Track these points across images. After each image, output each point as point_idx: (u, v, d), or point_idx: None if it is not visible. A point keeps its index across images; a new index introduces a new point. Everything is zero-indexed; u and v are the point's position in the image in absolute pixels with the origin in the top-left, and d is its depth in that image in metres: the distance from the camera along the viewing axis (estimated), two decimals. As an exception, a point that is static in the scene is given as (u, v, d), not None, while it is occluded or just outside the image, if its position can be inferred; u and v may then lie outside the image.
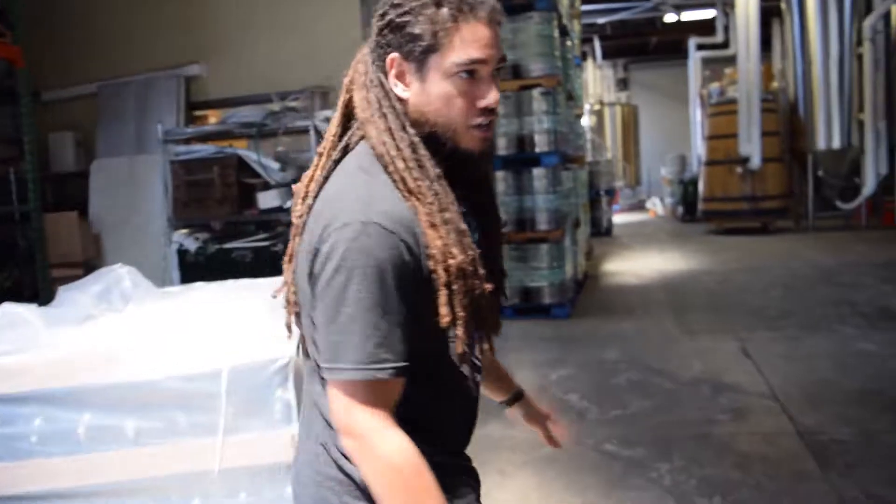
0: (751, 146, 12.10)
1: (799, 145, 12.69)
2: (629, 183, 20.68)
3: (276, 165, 5.29)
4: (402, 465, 1.11)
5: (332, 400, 1.14)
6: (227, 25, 5.92)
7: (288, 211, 5.47)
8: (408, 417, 1.16)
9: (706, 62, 15.84)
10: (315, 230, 1.15)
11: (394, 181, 1.15)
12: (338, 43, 5.77)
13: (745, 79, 12.29)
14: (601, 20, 15.43)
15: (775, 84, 14.16)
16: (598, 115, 20.89)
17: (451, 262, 1.14)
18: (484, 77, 1.18)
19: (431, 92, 1.17)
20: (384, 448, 1.11)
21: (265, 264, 5.36)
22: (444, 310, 1.14)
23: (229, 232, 5.69)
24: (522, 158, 7.03)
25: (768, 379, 4.81)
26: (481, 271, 1.20)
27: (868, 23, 11.59)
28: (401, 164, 1.15)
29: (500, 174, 7.04)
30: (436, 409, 1.24)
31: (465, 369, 1.26)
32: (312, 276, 1.15)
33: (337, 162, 1.22)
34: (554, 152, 6.96)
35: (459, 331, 1.17)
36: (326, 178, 1.21)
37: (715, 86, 14.52)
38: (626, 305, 7.40)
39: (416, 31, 1.15)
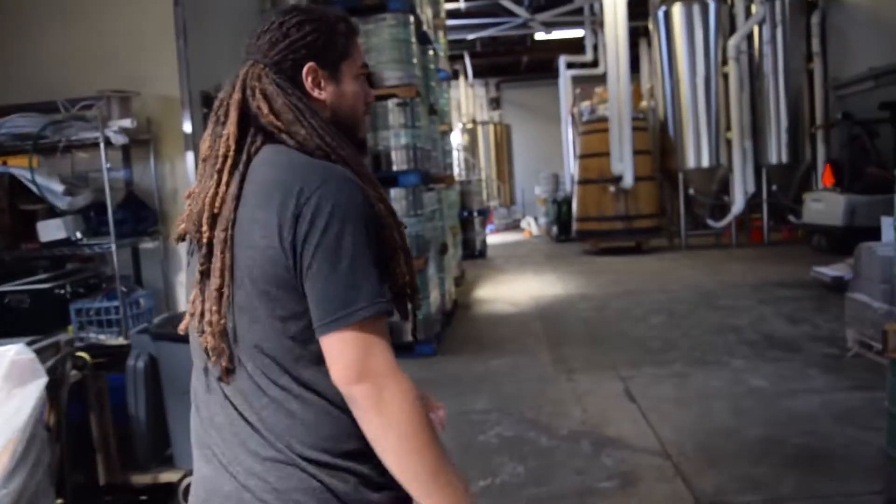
0: (623, 165, 11.82)
1: (670, 164, 12.57)
2: (504, 202, 20.34)
3: (59, 187, 4.22)
4: (421, 407, 1.16)
5: (342, 352, 1.15)
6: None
7: (77, 245, 4.42)
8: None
9: (577, 81, 15.66)
10: (283, 204, 1.17)
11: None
12: (144, 42, 4.78)
13: (616, 97, 12.03)
14: (470, 36, 14.95)
15: (645, 103, 14.08)
16: (472, 134, 20.48)
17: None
18: (364, 79, 1.41)
19: (347, 91, 1.36)
20: (408, 388, 1.15)
21: (48, 311, 4.26)
22: (402, 269, 1.27)
23: (9, 271, 4.55)
24: (378, 178, 6.20)
25: (657, 429, 4.16)
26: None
27: (732, 42, 11.59)
28: (343, 153, 1.26)
29: (354, 195, 6.20)
30: None
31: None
32: (295, 244, 1.16)
33: (244, 174, 1.24)
34: (414, 171, 6.18)
35: (413, 294, 1.31)
36: (241, 188, 1.23)
37: (586, 104, 14.29)
38: (498, 339, 6.69)
39: (328, 42, 1.33)
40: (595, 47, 15.77)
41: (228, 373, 1.23)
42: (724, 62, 11.82)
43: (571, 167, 14.48)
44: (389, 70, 6.12)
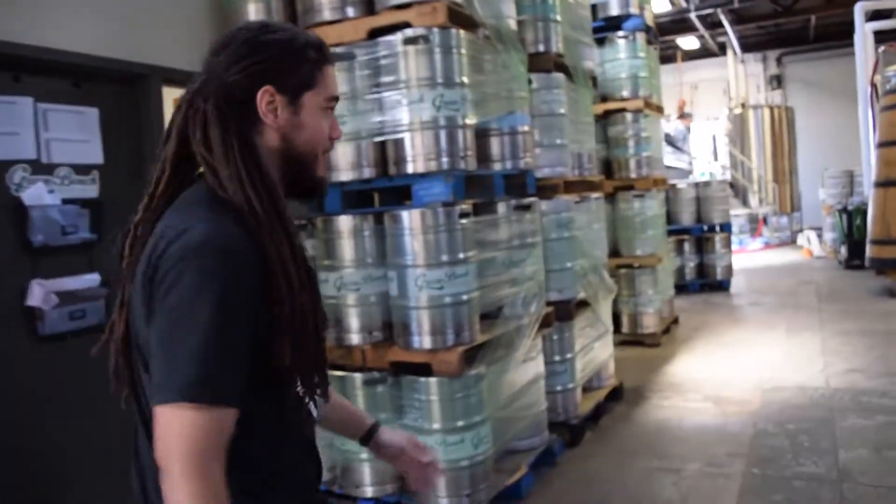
0: (954, 155, 7.37)
1: None
2: (781, 209, 15.74)
3: None
4: None
5: (156, 428, 1.03)
6: None
7: None
8: (249, 457, 1.13)
9: (881, 38, 10.96)
10: (152, 252, 1.09)
11: (245, 221, 1.11)
12: None
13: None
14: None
15: None
16: (740, 121, 16.19)
17: (297, 304, 1.12)
18: (332, 113, 1.28)
19: (306, 123, 1.22)
20: (201, 494, 1.01)
21: None
22: (287, 350, 1.11)
23: None
24: (385, 190, 3.22)
25: None
26: (323, 318, 1.22)
27: None
28: (259, 208, 1.12)
29: (344, 223, 3.25)
30: (277, 449, 1.19)
31: (309, 409, 1.25)
32: (150, 299, 1.08)
33: (168, 202, 1.17)
34: (446, 173, 3.08)
35: (297, 377, 1.16)
36: (158, 218, 1.16)
37: (893, 69, 9.70)
38: (641, 507, 3.32)
39: (292, 67, 1.20)
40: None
41: (142, 414, 1.17)
42: None
43: (872, 162, 9.94)
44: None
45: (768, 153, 16.09)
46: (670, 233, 9.23)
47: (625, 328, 6.61)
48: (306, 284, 1.14)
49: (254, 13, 3.46)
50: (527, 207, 3.70)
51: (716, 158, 16.28)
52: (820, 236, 12.54)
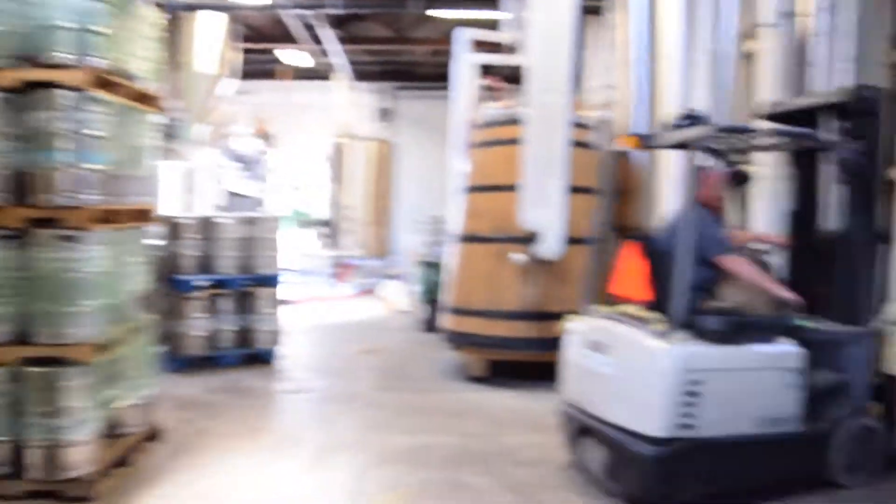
0: (544, 212, 5.89)
1: (629, 218, 6.69)
2: (376, 252, 14.18)
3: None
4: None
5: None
6: None
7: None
8: None
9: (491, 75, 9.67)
10: None
11: None
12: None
13: (543, 84, 6.11)
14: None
15: (592, 113, 8.10)
16: (340, 152, 14.43)
17: None
18: None
19: None
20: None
21: None
22: None
23: None
24: None
25: None
26: None
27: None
28: None
29: None
30: None
31: None
32: None
33: None
34: None
35: None
36: None
37: (494, 107, 8.25)
38: None
39: None
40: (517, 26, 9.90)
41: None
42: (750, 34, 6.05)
43: (456, 209, 8.41)
44: None
45: (370, 190, 14.52)
46: (211, 284, 6.63)
47: (34, 471, 3.70)
48: None
49: None
50: None
51: (303, 190, 14.34)
52: (410, 289, 10.96)
